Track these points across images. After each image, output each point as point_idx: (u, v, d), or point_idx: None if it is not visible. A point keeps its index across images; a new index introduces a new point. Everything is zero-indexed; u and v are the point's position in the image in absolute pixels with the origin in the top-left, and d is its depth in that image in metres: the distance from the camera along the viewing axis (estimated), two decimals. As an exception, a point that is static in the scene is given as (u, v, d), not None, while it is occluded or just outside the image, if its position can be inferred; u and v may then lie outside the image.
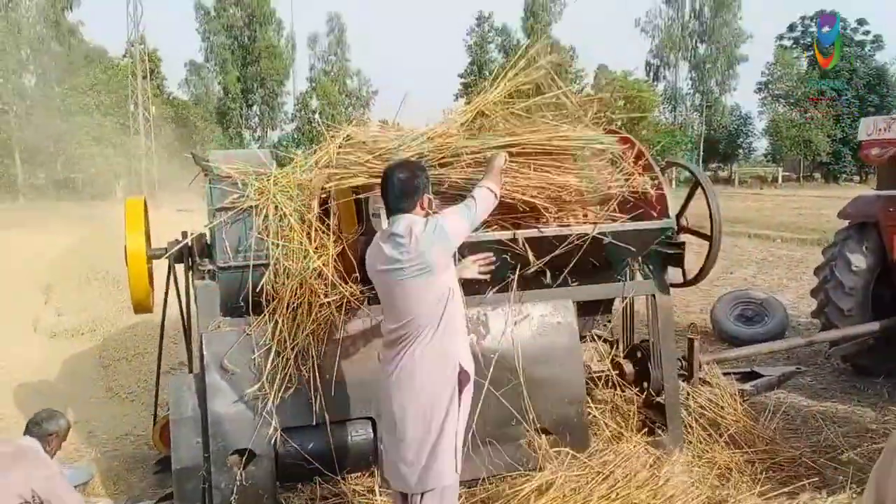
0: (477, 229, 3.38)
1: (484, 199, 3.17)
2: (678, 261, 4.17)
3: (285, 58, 48.56)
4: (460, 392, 3.03)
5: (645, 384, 4.40)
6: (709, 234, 4.12)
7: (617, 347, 4.69)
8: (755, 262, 13.46)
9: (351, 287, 3.63)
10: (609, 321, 4.82)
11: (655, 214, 4.05)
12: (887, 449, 1.81)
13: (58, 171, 29.74)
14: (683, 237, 4.17)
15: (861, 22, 47.42)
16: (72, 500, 3.57)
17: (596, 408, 4.27)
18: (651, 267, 4.29)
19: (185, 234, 4.12)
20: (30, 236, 12.11)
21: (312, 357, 3.61)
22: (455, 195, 3.53)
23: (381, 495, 3.64)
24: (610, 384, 4.39)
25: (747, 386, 5.17)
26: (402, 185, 3.04)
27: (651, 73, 50.46)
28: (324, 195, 3.79)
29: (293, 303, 3.63)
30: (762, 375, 5.81)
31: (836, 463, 4.35)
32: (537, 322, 3.98)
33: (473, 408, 3.29)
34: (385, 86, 49.54)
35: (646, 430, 4.25)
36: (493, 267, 3.41)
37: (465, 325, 3.19)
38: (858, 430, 4.99)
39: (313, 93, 48.55)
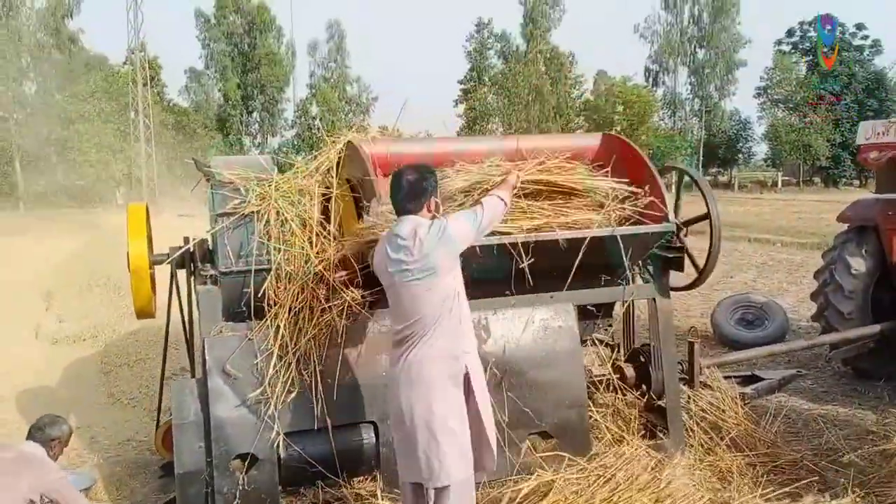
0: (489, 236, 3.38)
1: (493, 207, 3.18)
2: (678, 264, 4.19)
3: (285, 65, 48.57)
4: (468, 393, 3.06)
5: (646, 388, 4.40)
6: (708, 230, 4.13)
7: (618, 351, 4.70)
8: (755, 266, 13.50)
9: (352, 292, 3.64)
10: (610, 325, 4.82)
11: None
12: None
13: (58, 179, 29.74)
14: (684, 238, 4.17)
15: (860, 27, 47.42)
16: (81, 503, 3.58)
17: (597, 411, 4.27)
18: (651, 270, 4.31)
19: (186, 240, 4.13)
20: (31, 243, 12.14)
21: (314, 361, 3.62)
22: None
23: (383, 499, 3.64)
24: (611, 388, 4.40)
25: (748, 389, 5.19)
26: (411, 187, 3.06)
27: (650, 79, 50.43)
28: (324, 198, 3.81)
29: (295, 307, 3.65)
30: (763, 379, 5.84)
31: (837, 465, 4.36)
32: (538, 326, 3.99)
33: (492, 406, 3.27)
34: (385, 92, 49.56)
35: (647, 433, 4.26)
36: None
37: (471, 327, 3.21)
38: (859, 433, 5.01)
39: (313, 99, 48.56)
